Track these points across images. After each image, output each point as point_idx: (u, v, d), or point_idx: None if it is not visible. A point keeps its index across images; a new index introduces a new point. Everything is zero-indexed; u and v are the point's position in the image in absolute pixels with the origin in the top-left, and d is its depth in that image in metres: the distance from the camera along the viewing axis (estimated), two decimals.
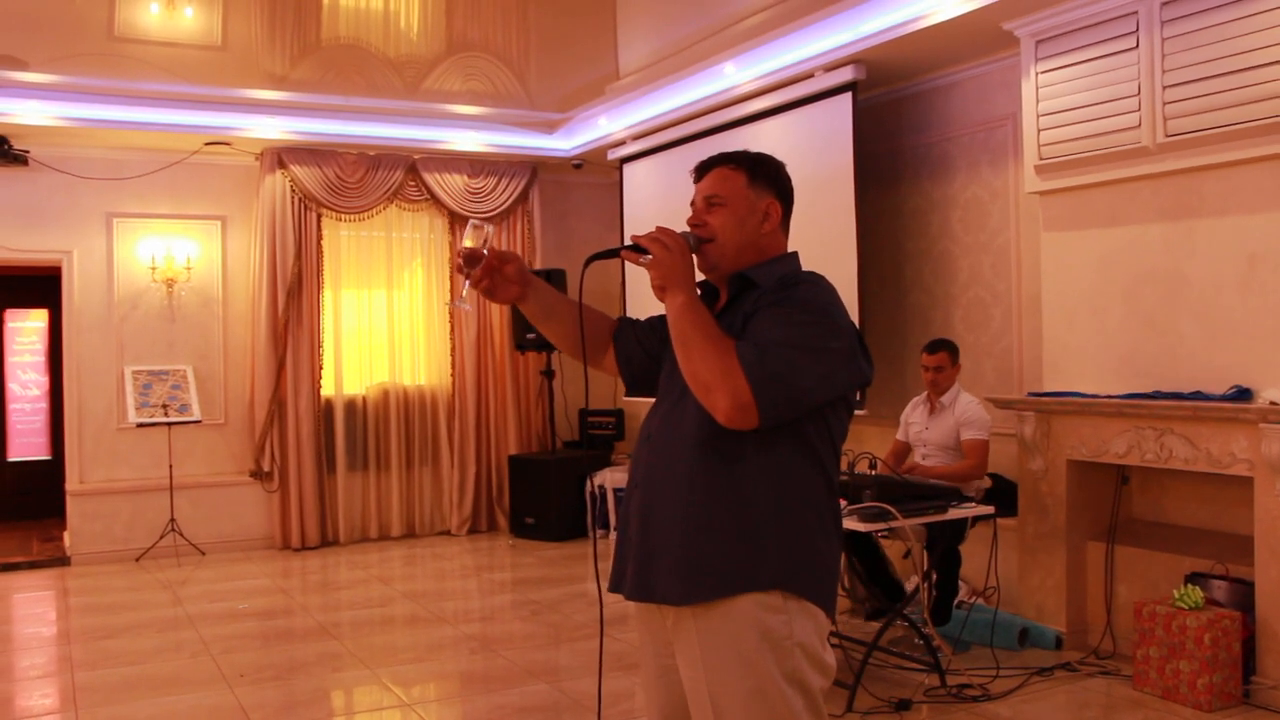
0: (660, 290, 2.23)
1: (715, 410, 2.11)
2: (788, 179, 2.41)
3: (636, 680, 5.21)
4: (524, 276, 2.43)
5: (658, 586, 2.23)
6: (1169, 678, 4.69)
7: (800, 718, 2.17)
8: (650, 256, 2.23)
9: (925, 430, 5.87)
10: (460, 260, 2.36)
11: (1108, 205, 5.52)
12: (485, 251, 2.36)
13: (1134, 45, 5.25)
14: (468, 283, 2.38)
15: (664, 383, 2.39)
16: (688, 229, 2.35)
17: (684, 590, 2.18)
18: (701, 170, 2.42)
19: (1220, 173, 4.99)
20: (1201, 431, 4.90)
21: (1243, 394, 4.79)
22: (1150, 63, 5.17)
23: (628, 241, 2.31)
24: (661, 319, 2.41)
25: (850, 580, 6.29)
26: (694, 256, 2.31)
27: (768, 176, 2.37)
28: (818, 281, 2.29)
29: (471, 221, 2.39)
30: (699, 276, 2.33)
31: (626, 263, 9.91)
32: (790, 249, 2.42)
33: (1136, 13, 5.23)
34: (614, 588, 2.36)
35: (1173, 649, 4.67)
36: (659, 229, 2.29)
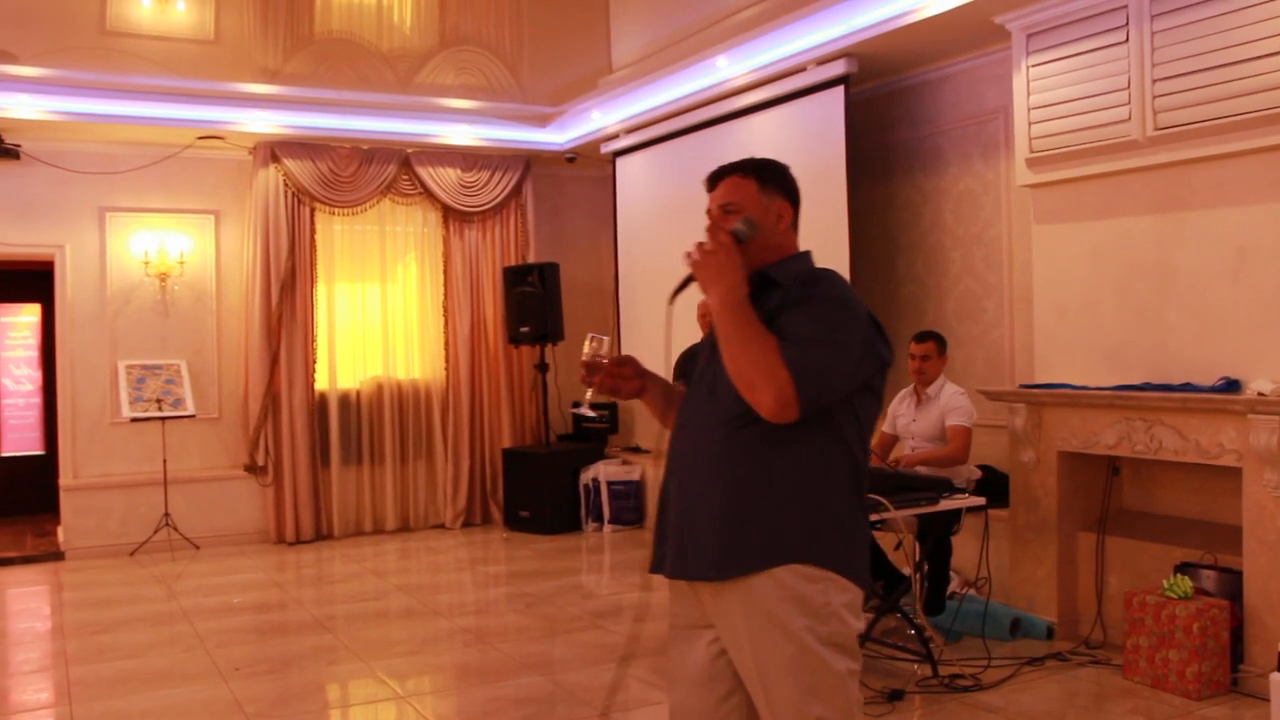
0: (707, 285, 2.34)
1: (760, 406, 2.24)
2: (794, 180, 2.53)
3: (631, 672, 5.23)
4: (641, 371, 2.64)
5: (695, 565, 2.35)
6: (1158, 666, 4.73)
7: (844, 680, 2.27)
8: (696, 255, 2.35)
9: (913, 422, 5.90)
10: (583, 371, 2.56)
11: (1098, 198, 5.55)
12: (604, 360, 2.56)
13: (1124, 39, 5.28)
14: (590, 390, 2.59)
15: (697, 371, 2.50)
16: (739, 225, 2.42)
17: (720, 567, 2.30)
18: (713, 180, 2.52)
19: (1210, 165, 5.02)
20: (1191, 422, 4.93)
21: (1231, 385, 4.82)
22: (1140, 56, 5.20)
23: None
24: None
25: None
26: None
27: (776, 180, 2.50)
28: (835, 278, 2.41)
29: (590, 335, 2.60)
30: None
31: (620, 260, 9.89)
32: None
33: (1126, 6, 5.25)
34: (655, 569, 2.47)
35: (1162, 638, 4.70)
36: (712, 228, 2.41)
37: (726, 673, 2.38)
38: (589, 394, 2.62)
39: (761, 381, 2.21)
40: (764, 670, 2.27)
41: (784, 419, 2.23)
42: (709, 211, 2.49)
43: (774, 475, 2.29)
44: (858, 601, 2.35)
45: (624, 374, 2.59)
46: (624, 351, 9.38)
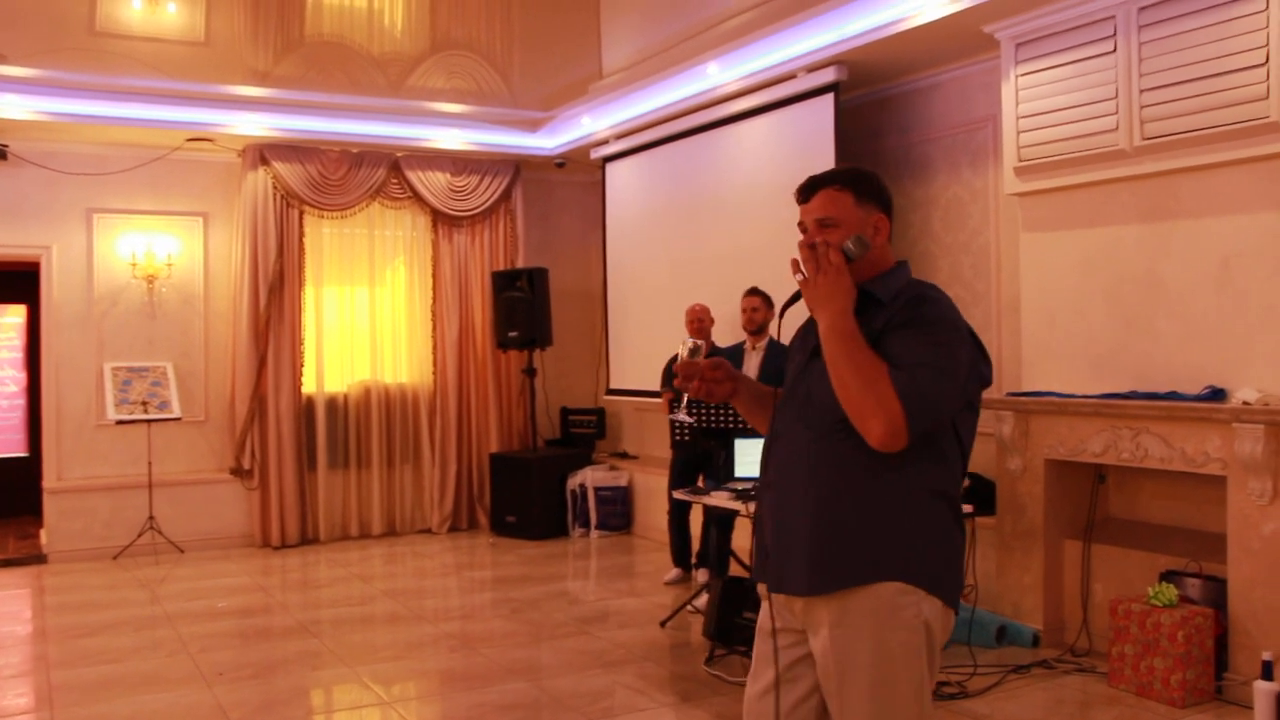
0: (815, 306, 2.29)
1: (869, 435, 2.21)
2: (889, 191, 2.47)
3: (617, 679, 5.23)
4: (732, 374, 2.60)
5: (789, 578, 2.36)
6: (1144, 674, 4.73)
7: (919, 691, 2.28)
8: (800, 276, 2.28)
9: None
10: (680, 377, 2.56)
11: (1086, 207, 5.57)
12: (699, 364, 2.57)
13: (1112, 49, 5.30)
14: (686, 395, 2.61)
15: (791, 381, 2.47)
16: (849, 245, 2.34)
17: (811, 582, 2.31)
18: (806, 192, 2.44)
19: (1196, 175, 5.05)
20: (1176, 431, 4.94)
21: (1216, 394, 4.84)
22: (1128, 66, 5.22)
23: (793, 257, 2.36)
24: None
25: None
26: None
27: (872, 192, 2.42)
28: (939, 297, 2.37)
29: (685, 339, 2.62)
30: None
31: (609, 265, 9.87)
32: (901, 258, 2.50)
33: (1114, 17, 5.28)
34: (757, 577, 2.49)
35: (1147, 646, 4.71)
36: (819, 244, 2.31)
37: (807, 676, 2.40)
38: (685, 398, 2.64)
39: (872, 411, 2.18)
40: (843, 674, 2.28)
41: (892, 448, 2.20)
42: (802, 225, 2.42)
43: (869, 491, 2.28)
44: (948, 619, 2.36)
45: (717, 377, 2.56)
46: (612, 359, 9.42)
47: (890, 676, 2.26)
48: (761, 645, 2.49)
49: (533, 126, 9.68)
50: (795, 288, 2.39)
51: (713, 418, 6.07)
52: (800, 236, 2.43)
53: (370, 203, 9.42)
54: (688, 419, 2.60)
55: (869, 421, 2.19)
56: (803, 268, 2.33)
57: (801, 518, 2.33)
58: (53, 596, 7.33)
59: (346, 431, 9.37)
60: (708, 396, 2.58)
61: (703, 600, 6.02)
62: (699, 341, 2.62)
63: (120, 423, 8.46)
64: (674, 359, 7.97)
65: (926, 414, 2.20)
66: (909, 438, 2.20)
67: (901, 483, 2.27)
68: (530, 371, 9.49)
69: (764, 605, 2.48)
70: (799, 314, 2.41)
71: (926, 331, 2.25)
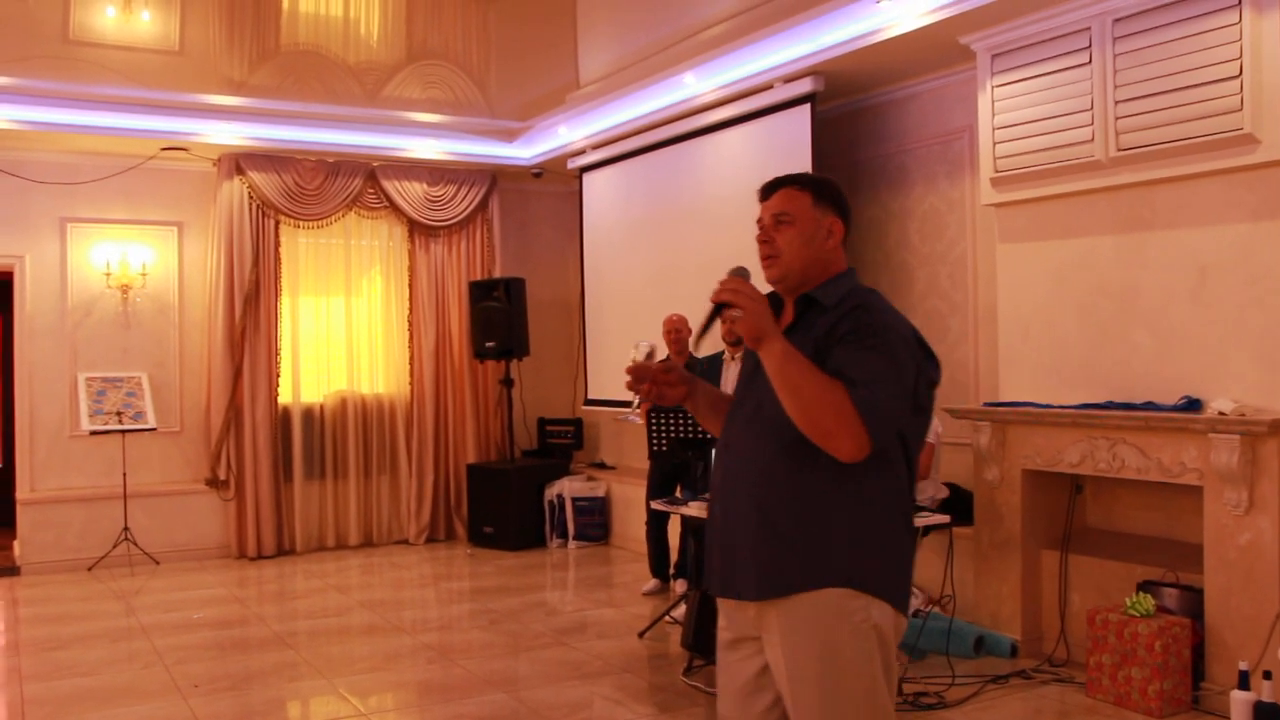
0: (755, 341, 2.30)
1: (838, 452, 2.25)
2: (847, 199, 2.55)
3: (596, 690, 5.21)
4: (685, 378, 2.64)
5: (737, 584, 2.42)
6: (1121, 684, 4.75)
7: (875, 693, 2.31)
8: (740, 312, 2.29)
9: None
10: (630, 379, 2.58)
11: (1062, 217, 5.60)
12: (650, 366, 2.59)
13: (1087, 60, 5.34)
14: (638, 397, 2.62)
15: (739, 392, 2.52)
16: (743, 270, 2.41)
17: (760, 588, 2.36)
18: (768, 190, 2.55)
19: (1171, 186, 5.08)
20: (1153, 441, 4.97)
21: (1192, 404, 4.87)
22: (1103, 78, 5.26)
23: (709, 301, 2.37)
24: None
25: None
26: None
27: (830, 196, 2.51)
28: (881, 305, 2.41)
29: (636, 342, 2.60)
30: (765, 289, 2.46)
31: (586, 275, 9.83)
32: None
33: (1089, 29, 5.31)
34: (705, 585, 2.57)
35: (1125, 656, 4.73)
36: (732, 282, 2.33)
37: (772, 685, 2.43)
38: (636, 401, 2.66)
39: (838, 430, 2.22)
40: (795, 678, 2.32)
41: (858, 460, 2.25)
42: (760, 221, 2.50)
43: (816, 497, 2.32)
44: (899, 623, 2.40)
45: (669, 380, 2.60)
46: (590, 369, 9.40)
47: (840, 680, 2.30)
48: (723, 658, 2.55)
49: (509, 136, 9.67)
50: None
51: (689, 428, 6.07)
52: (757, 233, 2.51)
53: (346, 212, 9.38)
54: (638, 420, 2.65)
55: (836, 440, 2.24)
56: (735, 305, 2.31)
57: (749, 524, 2.38)
58: (26, 609, 7.25)
59: (323, 442, 9.31)
60: (659, 399, 2.61)
61: (681, 611, 6.01)
62: (652, 344, 2.65)
63: (95, 433, 8.39)
64: None
65: (887, 426, 2.26)
66: (873, 449, 2.25)
67: (847, 489, 2.31)
68: (507, 382, 9.47)
69: (720, 617, 2.53)
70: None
71: (874, 343, 2.30)
